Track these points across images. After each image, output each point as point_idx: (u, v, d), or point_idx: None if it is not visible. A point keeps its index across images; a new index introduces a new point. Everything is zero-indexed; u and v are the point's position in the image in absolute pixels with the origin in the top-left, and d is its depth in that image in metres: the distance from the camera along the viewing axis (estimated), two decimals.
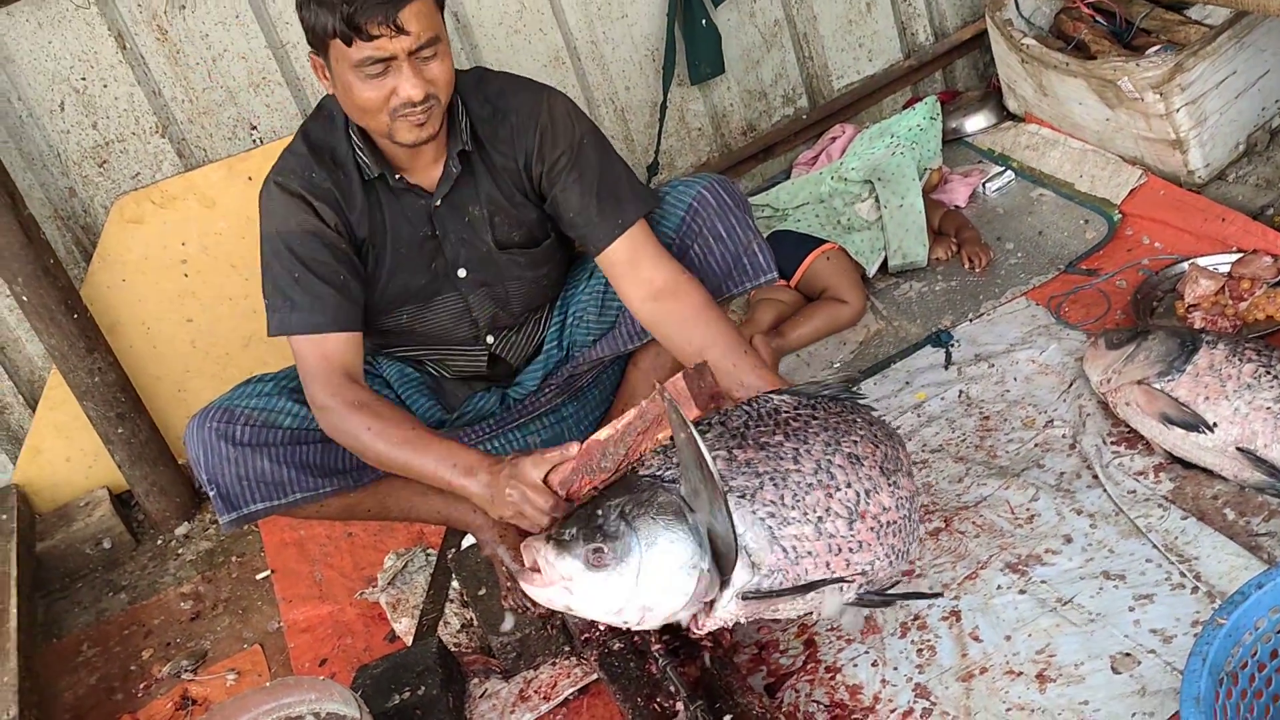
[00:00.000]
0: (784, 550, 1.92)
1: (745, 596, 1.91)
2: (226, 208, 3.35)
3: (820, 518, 1.95)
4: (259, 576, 3.17)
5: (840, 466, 2.00)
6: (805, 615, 2.32)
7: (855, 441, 2.07)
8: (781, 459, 1.98)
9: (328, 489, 2.40)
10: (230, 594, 3.15)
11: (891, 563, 2.06)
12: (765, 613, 1.98)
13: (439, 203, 2.35)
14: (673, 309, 2.31)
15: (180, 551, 3.40)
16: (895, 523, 2.05)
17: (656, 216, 2.43)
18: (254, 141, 3.46)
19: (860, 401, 2.22)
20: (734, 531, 1.85)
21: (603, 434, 2.06)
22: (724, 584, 1.91)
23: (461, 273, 2.43)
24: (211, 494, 2.34)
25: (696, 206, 2.41)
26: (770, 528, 1.92)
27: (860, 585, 2.04)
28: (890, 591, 2.15)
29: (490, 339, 2.55)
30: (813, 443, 2.02)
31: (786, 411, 2.07)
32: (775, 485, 1.94)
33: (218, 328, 3.48)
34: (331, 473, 2.42)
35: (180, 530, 3.46)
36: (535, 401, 2.60)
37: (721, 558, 1.89)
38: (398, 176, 2.32)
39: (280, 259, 2.28)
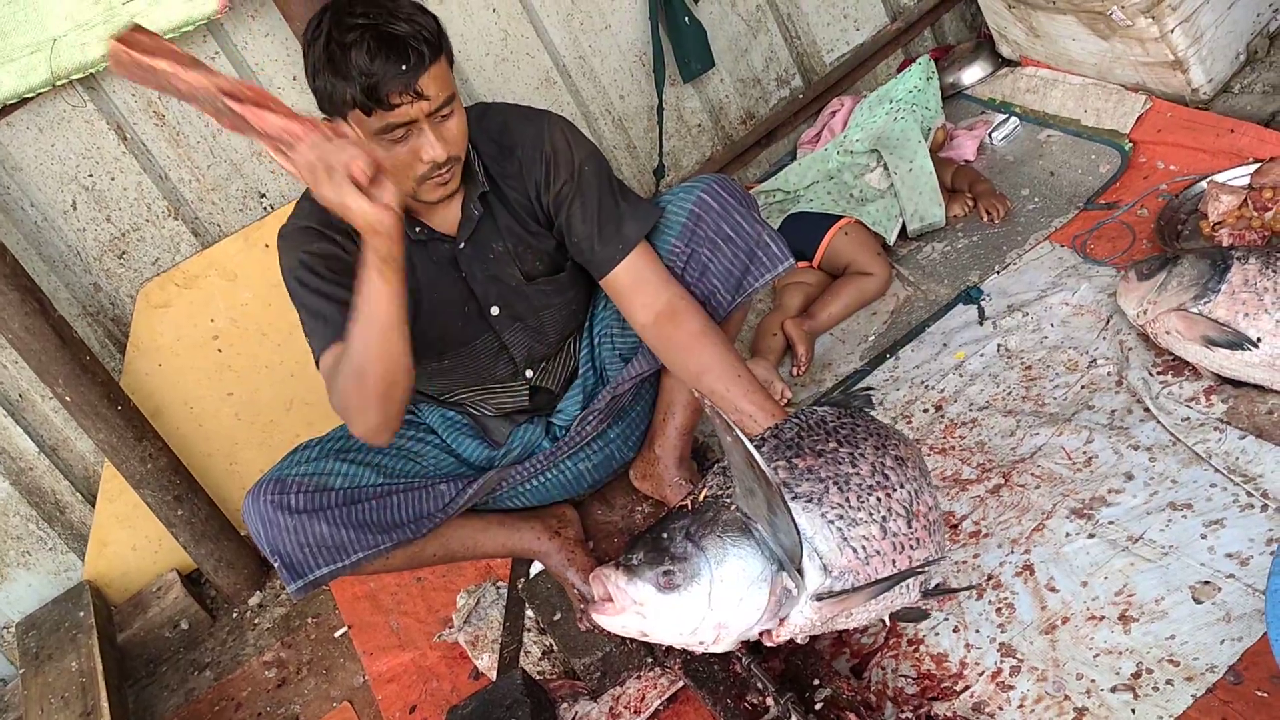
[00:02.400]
0: (854, 551, 1.93)
1: (819, 598, 1.92)
2: (249, 278, 3.39)
3: (884, 517, 1.97)
4: (337, 634, 3.20)
5: (892, 468, 2.03)
6: None
7: (897, 444, 2.11)
8: (840, 463, 2.00)
9: (388, 543, 2.42)
10: (312, 655, 3.19)
11: (941, 557, 2.09)
12: (839, 619, 1.99)
13: (463, 245, 2.37)
14: (671, 334, 2.33)
15: (256, 621, 3.44)
16: (937, 520, 2.09)
17: (660, 228, 2.43)
18: (265, 209, 3.50)
19: (868, 410, 2.25)
20: (797, 529, 1.86)
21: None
22: (796, 591, 1.91)
23: (494, 310, 2.44)
24: (276, 565, 2.36)
25: (699, 212, 2.41)
26: (840, 529, 1.93)
27: (923, 580, 2.07)
28: (930, 590, 2.15)
29: (529, 373, 2.56)
30: (864, 447, 2.04)
31: (832, 421, 2.09)
32: (839, 488, 1.96)
33: (258, 397, 3.51)
34: (390, 527, 2.43)
35: (253, 600, 3.50)
36: (582, 431, 2.61)
37: (789, 565, 1.89)
38: (419, 228, 2.34)
39: (306, 284, 2.26)
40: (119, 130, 3.30)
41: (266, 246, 3.35)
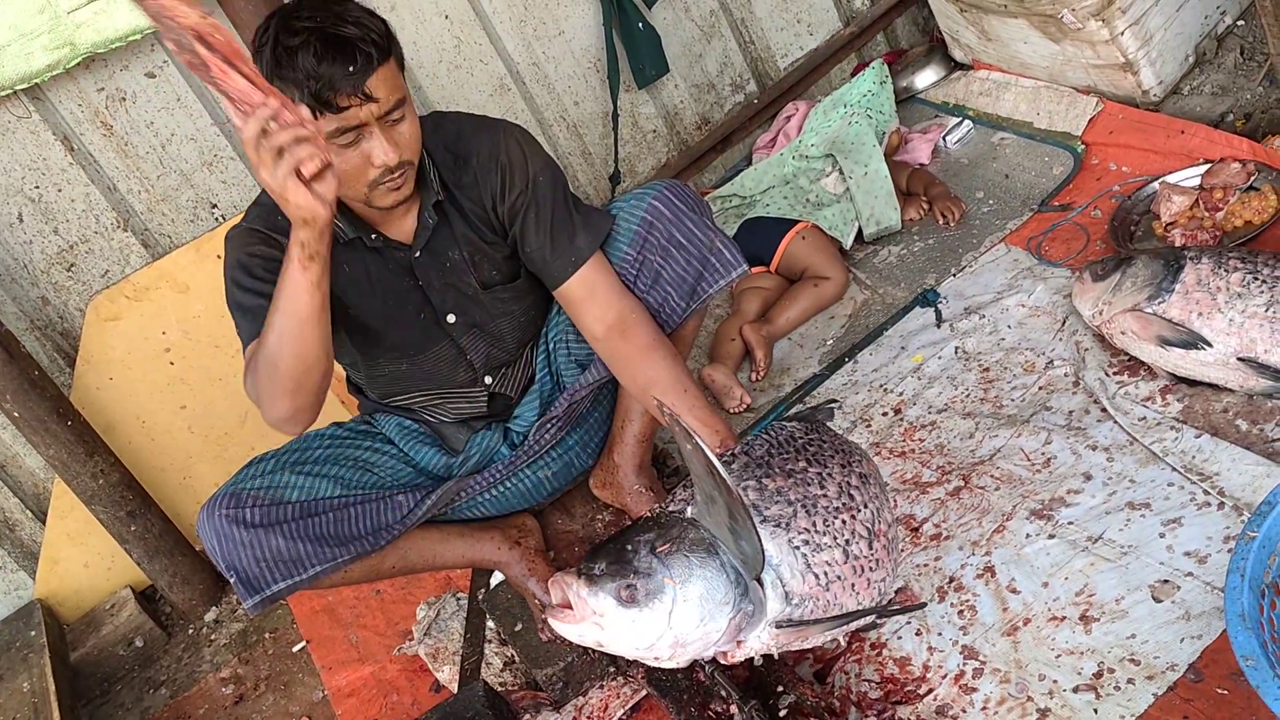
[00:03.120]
0: (816, 577, 1.93)
1: (779, 625, 1.91)
2: (200, 289, 3.35)
3: (848, 540, 1.98)
4: (295, 649, 3.16)
5: (857, 488, 2.05)
6: None
7: (860, 460, 2.12)
8: (809, 484, 2.01)
9: (346, 556, 2.38)
10: (270, 671, 3.15)
11: (893, 576, 2.11)
12: (794, 642, 1.99)
13: (419, 254, 2.35)
14: (620, 347, 2.34)
15: (213, 637, 3.39)
16: (895, 538, 2.11)
17: (612, 236, 2.42)
18: (216, 220, 3.46)
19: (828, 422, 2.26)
20: (763, 554, 1.85)
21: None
22: (756, 616, 1.91)
23: (451, 319, 2.43)
24: (232, 580, 2.32)
25: (650, 219, 2.40)
26: (805, 555, 1.93)
27: (878, 603, 2.08)
28: (885, 610, 2.15)
29: (488, 379, 2.54)
30: (831, 466, 2.05)
31: (801, 438, 2.10)
32: (807, 512, 1.96)
33: (212, 410, 3.47)
34: (348, 539, 2.40)
35: (209, 616, 3.46)
36: (541, 439, 2.59)
37: (752, 589, 1.89)
38: (374, 235, 2.32)
39: (241, 284, 2.26)
40: (65, 141, 3.25)
41: (218, 257, 3.28)
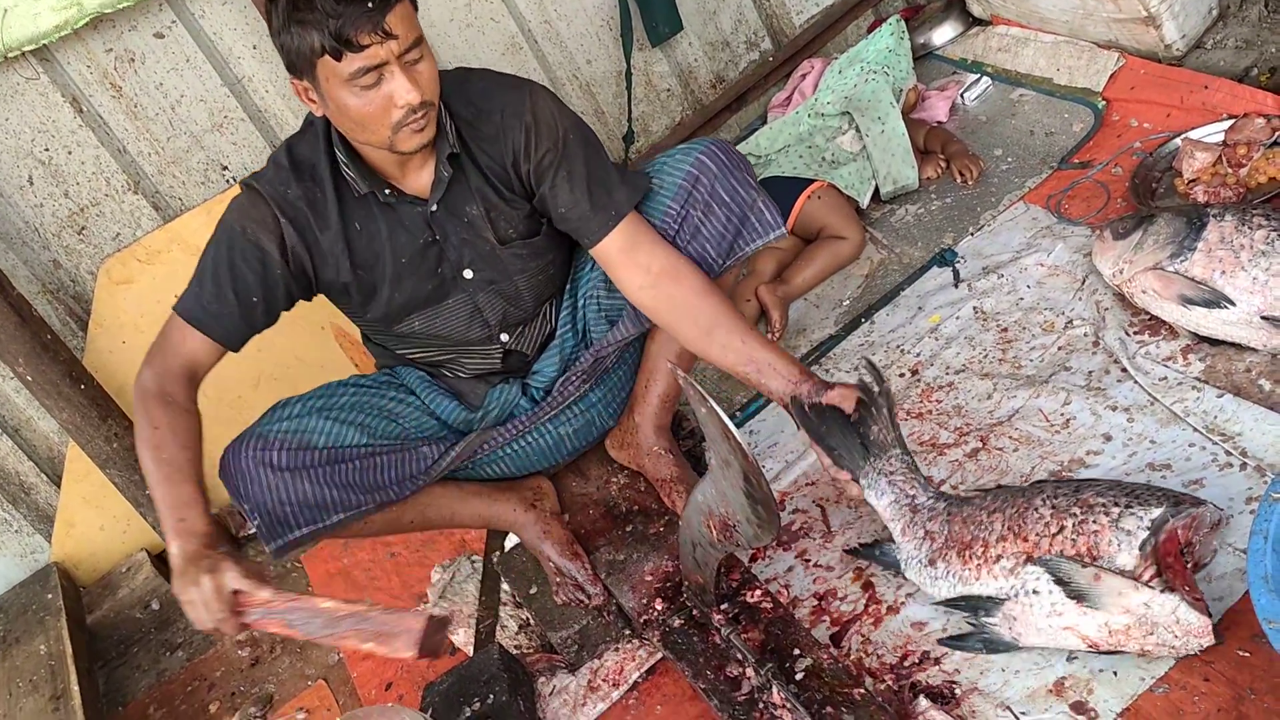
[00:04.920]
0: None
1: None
2: None
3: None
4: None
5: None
6: (861, 563, 2.32)
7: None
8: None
9: (370, 505, 2.38)
10: None
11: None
12: None
13: (435, 208, 2.33)
14: (673, 293, 2.30)
15: None
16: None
17: (656, 191, 2.41)
18: (227, 182, 3.44)
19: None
20: (770, 491, 1.84)
21: (324, 604, 2.00)
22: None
23: (468, 274, 2.41)
24: (255, 524, 2.31)
25: (696, 174, 2.38)
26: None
27: None
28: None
29: (505, 336, 2.53)
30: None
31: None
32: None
33: (224, 373, 3.41)
34: (373, 488, 2.40)
35: None
36: (564, 392, 2.58)
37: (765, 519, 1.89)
38: (388, 190, 2.30)
39: (219, 248, 2.29)
40: (74, 103, 3.23)
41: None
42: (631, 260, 2.32)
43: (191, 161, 3.40)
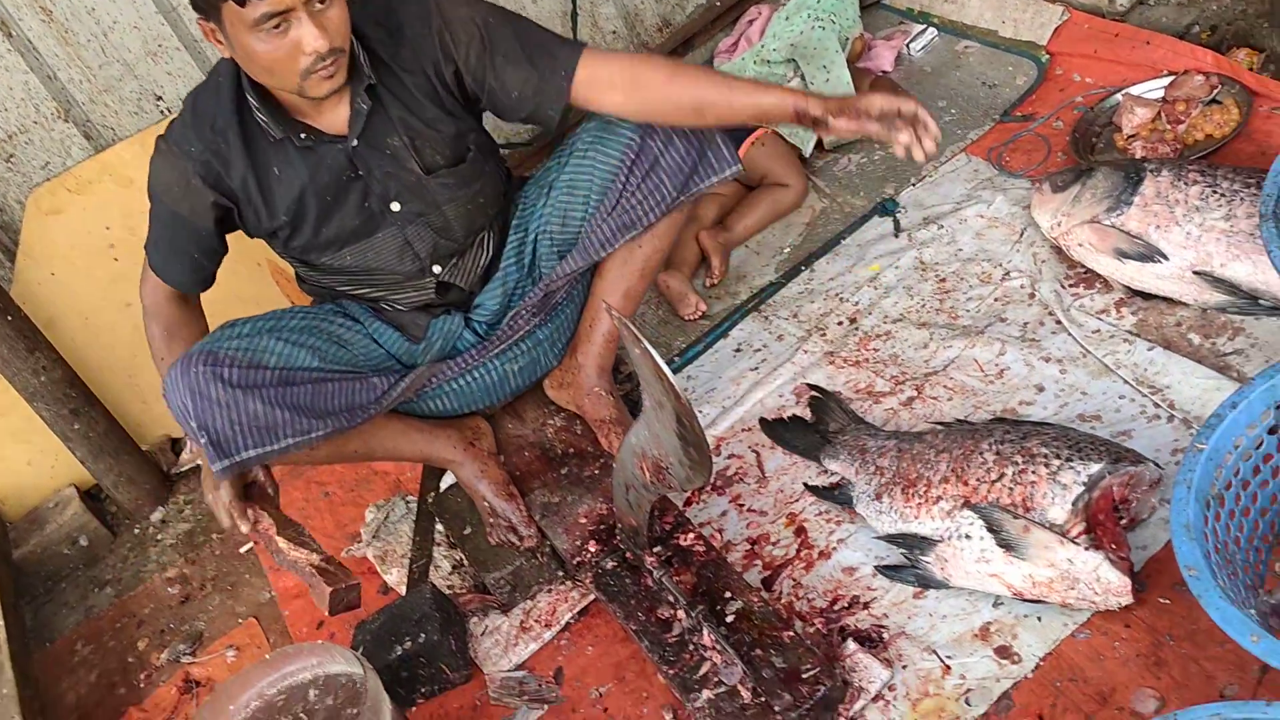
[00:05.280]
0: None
1: None
2: (145, 184, 3.24)
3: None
4: (243, 550, 3.13)
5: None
6: (792, 504, 2.33)
7: None
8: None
9: (319, 431, 2.34)
10: (216, 571, 3.12)
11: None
12: None
13: (355, 143, 2.29)
14: (646, 96, 2.34)
15: (159, 537, 3.35)
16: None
17: (615, 121, 2.41)
18: (161, 112, 3.36)
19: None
20: (703, 434, 1.84)
21: (281, 542, 2.33)
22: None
23: (395, 206, 2.38)
24: (202, 442, 2.25)
25: None
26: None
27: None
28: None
29: (437, 269, 2.50)
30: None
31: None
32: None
33: None
34: (323, 414, 2.36)
35: (155, 516, 3.42)
36: (514, 326, 2.56)
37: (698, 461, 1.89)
38: (303, 135, 2.26)
39: (153, 209, 2.40)
40: (3, 26, 3.13)
41: (158, 137, 3.23)
42: (600, 94, 2.34)
43: (124, 90, 3.32)
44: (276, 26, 2.04)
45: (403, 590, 2.66)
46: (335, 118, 2.27)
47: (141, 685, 2.87)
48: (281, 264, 3.26)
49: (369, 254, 2.43)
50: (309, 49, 2.07)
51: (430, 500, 2.77)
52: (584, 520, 2.48)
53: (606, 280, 2.58)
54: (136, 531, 3.42)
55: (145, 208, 3.22)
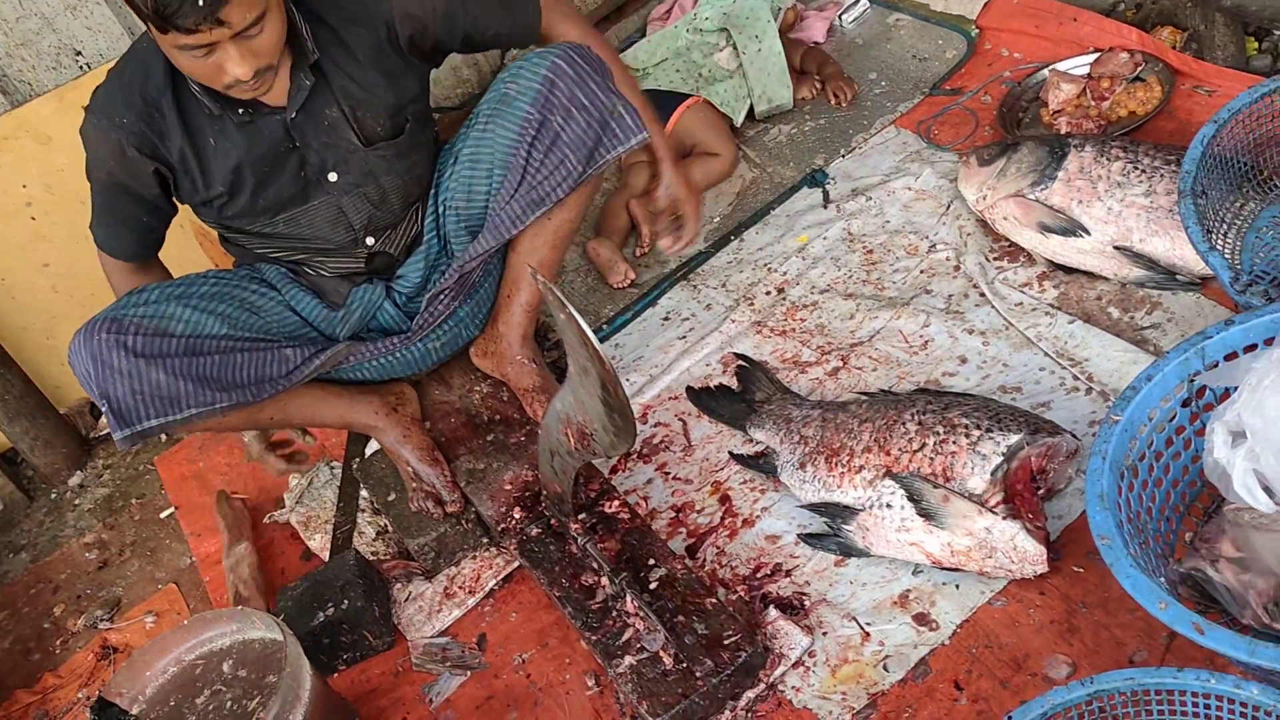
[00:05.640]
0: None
1: None
2: (64, 142, 3.18)
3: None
4: (163, 515, 3.10)
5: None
6: (717, 473, 2.34)
7: None
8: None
9: (224, 403, 2.30)
10: (135, 537, 3.08)
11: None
12: None
13: (294, 114, 2.25)
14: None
15: (77, 502, 3.30)
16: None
17: (512, 96, 2.37)
18: (81, 68, 3.28)
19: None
20: (627, 399, 1.84)
21: None
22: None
23: (333, 176, 2.35)
24: (104, 409, 2.22)
25: (553, 78, 2.33)
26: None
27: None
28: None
29: (370, 240, 2.48)
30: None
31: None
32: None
33: (77, 269, 3.33)
34: (230, 386, 2.32)
35: (73, 480, 3.36)
36: (434, 312, 2.54)
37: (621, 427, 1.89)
38: (240, 111, 2.22)
39: (93, 187, 2.35)
40: None
41: (85, 109, 3.14)
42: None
43: (42, 44, 3.23)
44: (201, 54, 2.00)
45: (326, 556, 2.64)
46: (274, 91, 2.23)
47: (57, 651, 2.82)
48: (206, 226, 3.21)
49: (302, 221, 2.39)
50: (230, 76, 2.04)
51: (355, 466, 2.75)
52: (509, 487, 2.48)
53: (520, 253, 2.55)
54: (53, 496, 3.36)
55: (63, 164, 3.21)
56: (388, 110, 2.34)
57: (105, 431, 3.45)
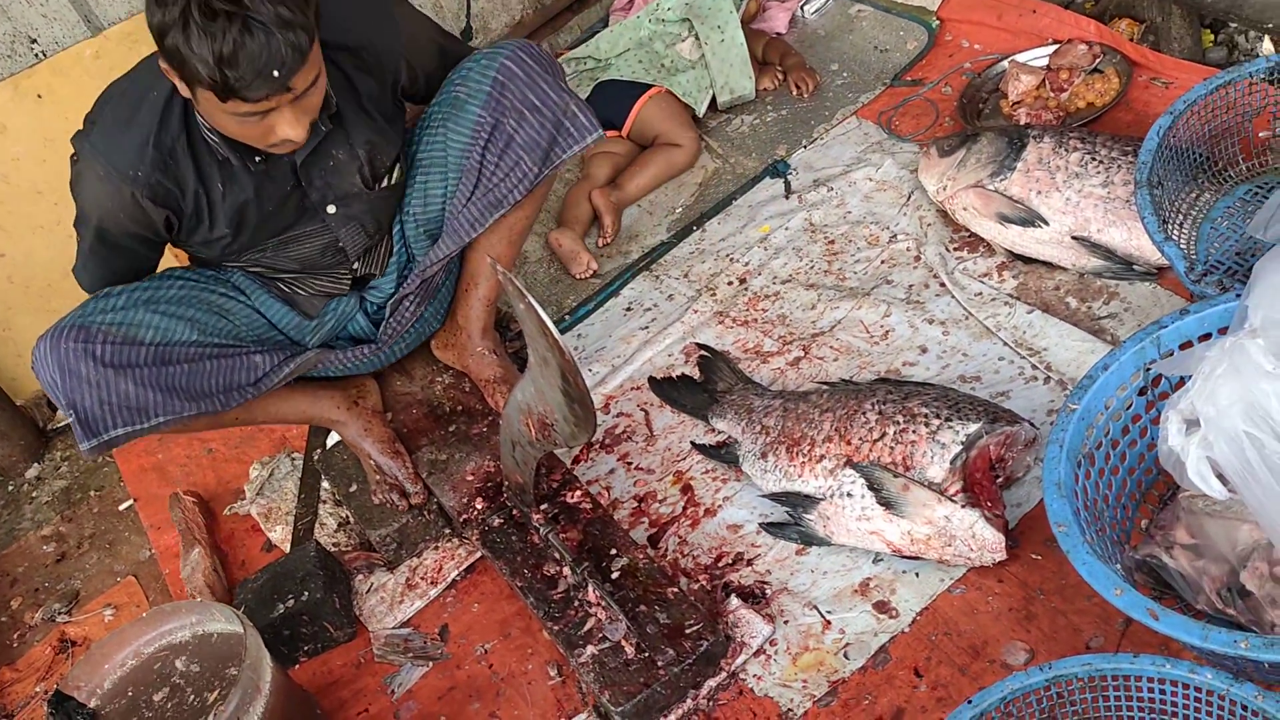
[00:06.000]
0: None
1: None
2: (19, 131, 3.14)
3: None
4: (122, 507, 3.07)
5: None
6: (679, 462, 2.35)
7: None
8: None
9: (192, 411, 2.29)
10: (94, 529, 3.05)
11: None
12: None
13: (302, 160, 2.23)
14: None
15: (34, 494, 3.27)
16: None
17: (463, 99, 2.37)
18: (36, 56, 3.23)
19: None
20: (587, 389, 1.84)
21: None
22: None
23: (331, 209, 2.34)
24: (70, 418, 2.20)
25: (503, 80, 2.32)
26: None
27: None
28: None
29: (357, 265, 2.47)
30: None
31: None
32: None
33: (33, 259, 3.30)
34: (198, 395, 2.29)
35: (30, 473, 3.33)
36: (401, 320, 2.53)
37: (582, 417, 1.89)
38: (257, 160, 2.19)
39: (87, 230, 2.26)
40: None
41: (40, 97, 3.12)
42: None
43: None
44: (257, 117, 1.97)
45: (287, 548, 2.62)
46: None
47: (14, 645, 2.80)
48: None
49: (293, 247, 2.37)
50: (281, 137, 2.02)
51: (316, 457, 2.73)
52: (471, 478, 2.47)
53: (477, 248, 2.54)
54: (10, 488, 3.32)
55: (18, 153, 3.17)
56: (394, 149, 2.36)
57: (63, 423, 3.42)
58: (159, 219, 2.21)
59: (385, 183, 2.39)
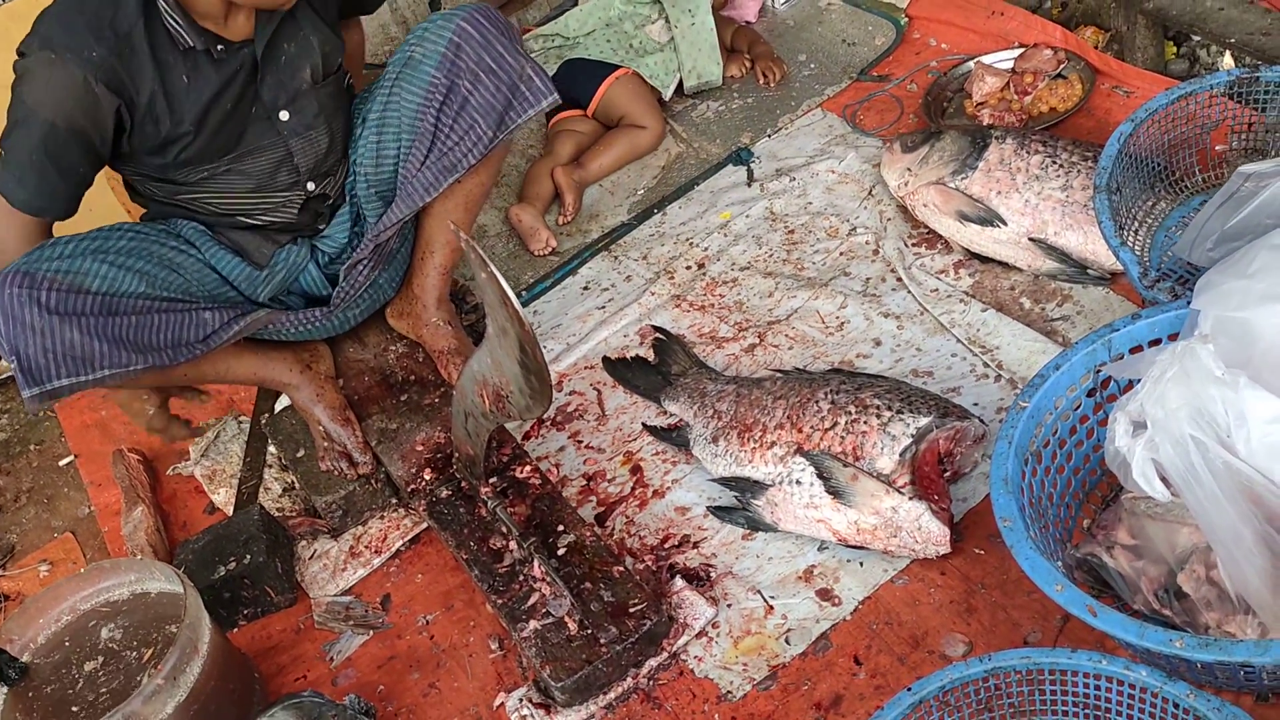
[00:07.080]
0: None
1: None
2: None
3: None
4: (62, 463, 3.03)
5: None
6: (630, 443, 2.35)
7: None
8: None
9: (139, 365, 2.24)
10: (33, 484, 3.01)
11: None
12: None
13: (262, 48, 2.21)
14: None
15: None
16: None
17: (417, 60, 2.35)
18: None
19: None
20: (545, 362, 1.84)
21: None
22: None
23: (284, 115, 2.31)
24: (13, 366, 2.14)
25: (458, 42, 2.31)
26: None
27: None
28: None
29: (311, 185, 2.44)
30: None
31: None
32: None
33: None
34: (145, 349, 2.25)
35: None
36: (354, 284, 2.50)
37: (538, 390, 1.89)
38: (219, 47, 2.17)
39: (29, 133, 2.14)
40: None
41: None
42: None
43: None
44: None
45: (230, 511, 2.60)
46: (243, 24, 2.18)
47: None
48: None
49: (248, 162, 2.34)
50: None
51: (264, 421, 2.71)
52: (421, 448, 2.46)
53: (433, 215, 2.52)
54: None
55: None
56: (336, 49, 2.35)
57: (4, 375, 3.36)
58: (110, 109, 2.14)
59: (329, 80, 2.37)
